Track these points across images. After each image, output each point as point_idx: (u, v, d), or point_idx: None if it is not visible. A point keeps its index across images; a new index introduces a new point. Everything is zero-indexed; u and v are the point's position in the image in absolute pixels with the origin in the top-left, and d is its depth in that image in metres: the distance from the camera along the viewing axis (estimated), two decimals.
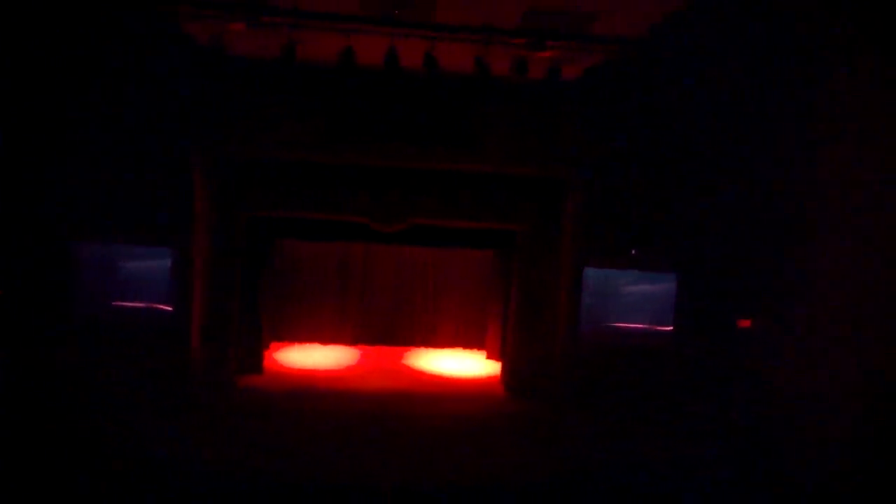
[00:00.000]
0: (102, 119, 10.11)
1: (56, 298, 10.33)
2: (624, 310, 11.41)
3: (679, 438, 10.45)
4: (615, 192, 11.06)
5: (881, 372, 9.28)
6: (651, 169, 11.10)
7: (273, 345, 13.81)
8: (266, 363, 12.67)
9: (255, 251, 11.91)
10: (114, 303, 10.44)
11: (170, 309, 10.50)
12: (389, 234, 11.56)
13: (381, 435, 9.78)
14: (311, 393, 11.33)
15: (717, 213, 11.34)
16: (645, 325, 11.46)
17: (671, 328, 11.48)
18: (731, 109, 10.79)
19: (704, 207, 11.31)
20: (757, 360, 10.63)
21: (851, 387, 9.52)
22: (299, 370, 12.77)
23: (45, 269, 10.24)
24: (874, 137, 9.15)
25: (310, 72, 9.56)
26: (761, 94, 10.24)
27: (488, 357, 14.05)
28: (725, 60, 9.72)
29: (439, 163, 10.79)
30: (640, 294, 11.46)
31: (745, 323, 11.07)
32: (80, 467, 7.94)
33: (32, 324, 10.20)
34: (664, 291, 11.39)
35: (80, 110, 10.09)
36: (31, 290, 10.13)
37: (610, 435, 10.42)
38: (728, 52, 9.59)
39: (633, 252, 11.29)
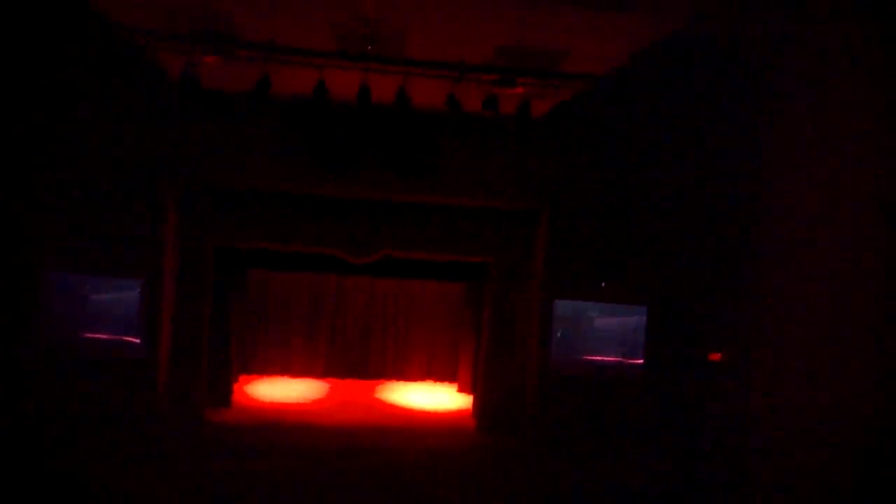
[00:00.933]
0: (74, 148, 10.05)
1: (22, 327, 10.15)
2: (594, 342, 11.46)
3: (650, 470, 10.49)
4: (585, 224, 11.19)
5: (849, 403, 9.44)
6: (620, 202, 11.26)
7: (242, 377, 13.63)
8: (235, 396, 12.50)
9: (226, 282, 11.81)
10: (83, 334, 10.25)
11: (137, 341, 10.33)
12: (361, 266, 11.57)
13: (352, 471, 9.67)
14: (280, 427, 11.18)
15: (686, 245, 11.53)
16: (616, 359, 11.52)
17: (641, 361, 11.56)
18: (695, 142, 11.07)
19: (673, 240, 11.49)
20: (726, 393, 10.76)
21: (819, 417, 9.67)
22: (269, 403, 12.60)
23: (12, 297, 10.08)
24: (826, 173, 9.45)
25: (283, 105, 9.62)
26: (722, 128, 10.54)
27: (459, 390, 14.01)
28: (688, 95, 10.00)
29: (411, 195, 10.88)
30: (610, 327, 11.54)
31: (716, 356, 11.20)
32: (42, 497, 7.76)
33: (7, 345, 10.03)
34: (634, 324, 11.49)
35: (51, 139, 10.03)
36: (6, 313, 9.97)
37: (581, 468, 10.42)
38: (691, 86, 9.88)
39: (604, 285, 11.40)
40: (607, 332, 11.49)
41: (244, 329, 13.51)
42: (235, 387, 12.84)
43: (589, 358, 11.48)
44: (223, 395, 12.01)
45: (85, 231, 10.17)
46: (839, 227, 9.57)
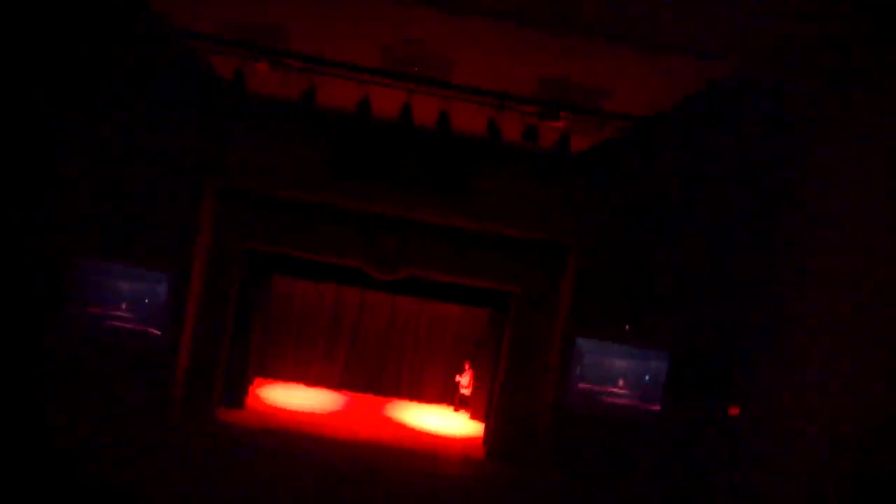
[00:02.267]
0: (120, 141, 10.31)
1: (49, 311, 10.36)
2: (604, 380, 11.34)
3: None
4: (613, 265, 11.12)
5: (866, 472, 9.19)
6: (650, 246, 11.18)
7: (257, 380, 13.70)
8: (249, 399, 12.57)
9: (251, 285, 11.94)
10: (110, 322, 10.43)
11: (158, 333, 10.47)
12: (385, 282, 11.60)
13: (356, 488, 9.64)
14: (290, 435, 11.20)
15: (712, 296, 11.39)
16: (629, 401, 11.38)
17: (657, 406, 11.39)
18: (728, 192, 10.96)
19: (700, 289, 11.35)
20: (743, 447, 10.53)
21: (837, 484, 9.42)
22: (282, 409, 12.64)
23: (44, 282, 10.30)
24: (855, 240, 9.29)
25: (326, 117, 9.75)
26: (755, 181, 10.43)
27: (472, 417, 13.91)
28: (725, 144, 9.91)
29: (441, 216, 10.91)
30: (621, 368, 11.41)
31: (735, 411, 10.99)
32: (49, 487, 7.84)
33: (22, 334, 10.21)
34: (645, 368, 11.37)
35: (98, 130, 10.29)
36: (25, 300, 10.16)
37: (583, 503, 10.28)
38: (728, 136, 9.79)
39: (627, 327, 11.29)
40: (620, 374, 11.38)
41: (265, 333, 13.61)
42: (251, 389, 12.92)
43: (597, 391, 11.29)
44: (238, 396, 12.09)
45: (121, 221, 10.39)
46: (860, 294, 9.40)
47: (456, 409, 14.34)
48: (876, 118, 8.42)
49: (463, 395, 14.28)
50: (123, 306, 10.47)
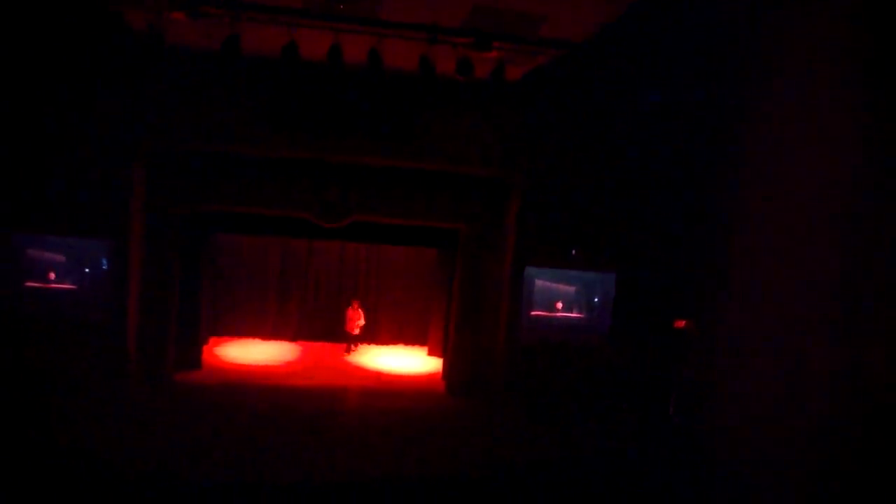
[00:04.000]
0: (36, 107, 9.80)
1: None
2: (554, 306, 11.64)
3: (613, 435, 10.70)
4: (556, 193, 11.22)
5: (810, 372, 9.65)
6: (591, 170, 11.29)
7: (212, 340, 13.59)
8: (206, 358, 12.46)
9: (197, 245, 11.69)
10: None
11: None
12: (332, 231, 11.48)
13: (321, 431, 9.74)
14: (251, 388, 11.19)
15: (655, 214, 11.63)
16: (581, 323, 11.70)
17: (608, 325, 11.74)
18: (665, 110, 11.09)
19: (643, 209, 11.57)
20: (691, 361, 10.95)
21: (783, 386, 9.89)
22: (239, 366, 12.59)
23: None
24: (792, 140, 9.55)
25: (251, 66, 9.42)
26: (694, 95, 10.56)
27: (430, 354, 14.12)
28: (661, 63, 9.97)
29: (382, 159, 10.78)
30: (570, 293, 11.71)
31: (681, 324, 11.38)
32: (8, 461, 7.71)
33: None
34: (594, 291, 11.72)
35: (12, 97, 9.77)
36: None
37: (546, 432, 10.59)
38: (664, 54, 9.83)
39: (574, 252, 11.47)
40: (570, 298, 11.67)
41: (215, 292, 13.43)
42: (207, 349, 12.81)
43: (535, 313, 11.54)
44: (193, 357, 11.97)
45: (52, 191, 9.98)
46: (805, 205, 9.71)
47: (348, 351, 14.20)
48: (815, 29, 8.56)
49: (352, 333, 14.11)
50: (52, 276, 10.18)
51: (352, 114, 10.36)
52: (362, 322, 14.06)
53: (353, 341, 14.18)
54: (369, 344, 14.63)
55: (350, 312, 14.02)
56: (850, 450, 9.47)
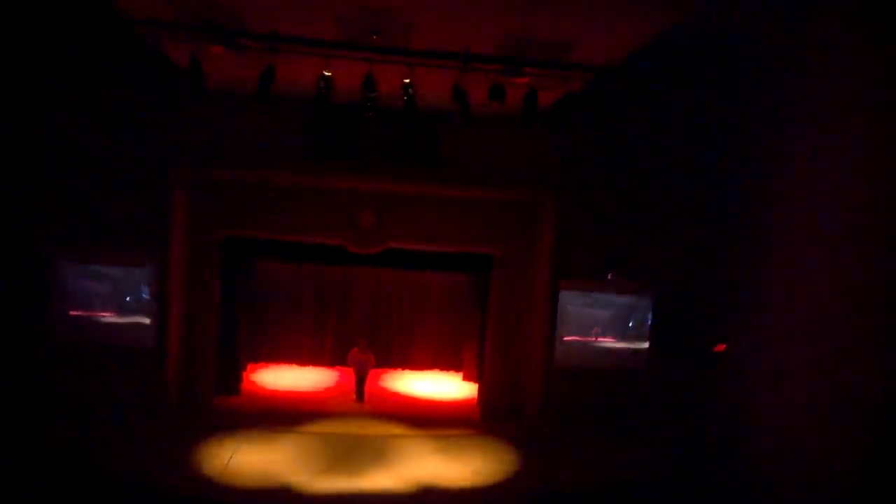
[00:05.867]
0: (84, 138, 10.20)
1: (33, 315, 10.30)
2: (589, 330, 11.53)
3: (654, 458, 10.52)
4: (590, 216, 11.19)
5: (851, 395, 9.39)
6: (626, 194, 11.25)
7: (250, 366, 13.72)
8: (244, 385, 12.60)
9: (234, 273, 11.89)
10: (94, 312, 10.43)
11: (145, 328, 10.46)
12: (366, 257, 11.59)
13: (358, 456, 9.76)
14: (289, 415, 11.27)
15: (692, 238, 11.51)
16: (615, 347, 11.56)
17: (644, 350, 11.58)
18: (703, 136, 11.03)
19: (678, 232, 11.47)
20: (730, 384, 10.75)
21: (822, 412, 9.64)
22: (277, 392, 12.70)
23: (23, 285, 10.23)
24: (833, 150, 9.40)
25: (288, 98, 9.65)
26: (730, 122, 10.50)
27: (465, 379, 14.07)
28: (696, 89, 9.95)
29: (414, 187, 10.93)
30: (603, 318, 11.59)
31: (721, 347, 11.18)
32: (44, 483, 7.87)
33: (17, 334, 10.23)
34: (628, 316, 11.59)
35: (61, 129, 10.17)
36: (11, 304, 10.16)
37: (585, 456, 10.47)
38: (699, 81, 9.82)
39: (610, 276, 11.39)
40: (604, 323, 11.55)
41: (252, 318, 13.58)
42: (244, 375, 12.94)
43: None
44: (232, 383, 12.12)
45: (95, 219, 10.30)
46: (843, 223, 9.53)
47: (360, 399, 12.44)
48: (846, 44, 8.47)
49: (361, 375, 12.42)
50: (103, 307, 10.45)
51: (385, 142, 10.53)
52: (371, 365, 12.49)
53: (361, 387, 12.46)
54: (403, 369, 14.63)
55: (357, 354, 12.50)
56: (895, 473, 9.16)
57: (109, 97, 10.19)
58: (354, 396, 12.38)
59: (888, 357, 9.13)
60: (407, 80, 8.18)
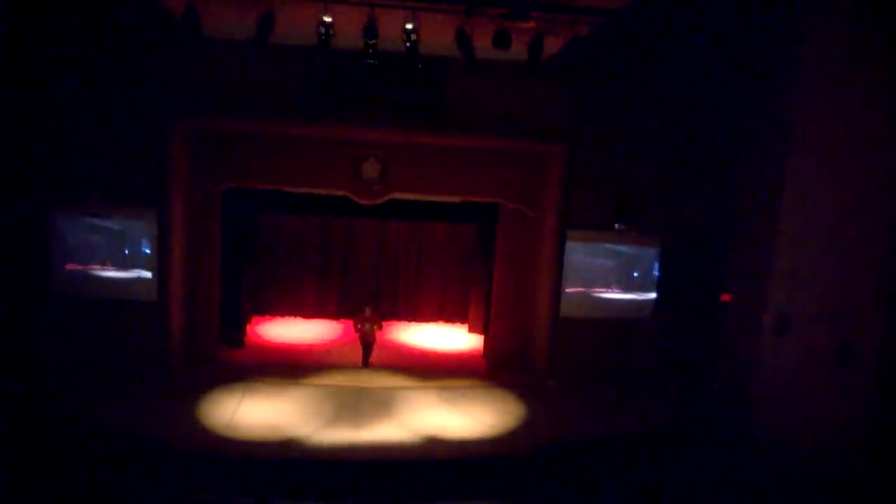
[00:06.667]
0: (83, 90, 10.03)
1: (35, 264, 10.29)
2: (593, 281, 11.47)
3: (660, 407, 10.57)
4: (599, 163, 11.01)
5: (853, 342, 9.42)
6: (633, 143, 11.05)
7: (255, 319, 13.74)
8: (248, 337, 12.62)
9: (238, 226, 11.79)
10: (93, 266, 10.44)
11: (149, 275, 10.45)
12: (371, 209, 11.46)
13: (363, 408, 9.81)
14: (294, 367, 11.30)
15: (699, 187, 11.35)
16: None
17: (650, 300, 11.55)
18: (709, 82, 10.74)
19: (686, 181, 11.30)
20: (735, 333, 10.73)
21: (823, 356, 9.68)
22: (282, 344, 12.73)
23: (23, 238, 10.20)
24: (841, 106, 9.18)
25: (288, 47, 9.40)
26: (738, 65, 10.22)
27: (470, 330, 14.07)
28: (704, 33, 9.64)
29: (419, 136, 10.71)
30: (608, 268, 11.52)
31: (727, 297, 11.14)
32: (49, 437, 7.92)
33: (14, 289, 10.20)
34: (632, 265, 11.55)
35: (60, 81, 9.98)
36: (11, 256, 10.12)
37: (592, 406, 10.51)
38: (707, 23, 9.51)
39: (617, 226, 11.27)
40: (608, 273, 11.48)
41: (257, 271, 13.54)
42: (249, 328, 12.96)
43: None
44: (236, 335, 12.13)
45: (94, 171, 10.19)
46: (852, 169, 9.38)
47: (366, 365, 11.71)
48: None
49: (367, 342, 11.68)
50: (104, 261, 10.47)
51: (388, 91, 10.30)
52: (379, 328, 11.78)
53: (367, 355, 11.76)
54: (409, 321, 14.63)
55: (363, 320, 11.66)
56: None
57: (107, 48, 9.98)
58: (361, 364, 11.65)
59: (887, 304, 9.17)
60: (409, 26, 7.93)
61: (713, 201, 11.35)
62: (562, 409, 10.37)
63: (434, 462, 8.42)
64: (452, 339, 13.81)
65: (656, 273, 11.50)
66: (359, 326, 11.66)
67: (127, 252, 10.41)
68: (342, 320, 14.29)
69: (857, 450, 9.43)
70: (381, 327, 11.83)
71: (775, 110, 10.03)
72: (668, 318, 11.65)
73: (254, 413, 9.39)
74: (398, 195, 11.22)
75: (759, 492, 8.49)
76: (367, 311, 11.70)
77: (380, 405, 9.94)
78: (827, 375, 9.73)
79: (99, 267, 10.42)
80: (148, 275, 10.47)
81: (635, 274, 11.54)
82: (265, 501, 7.00)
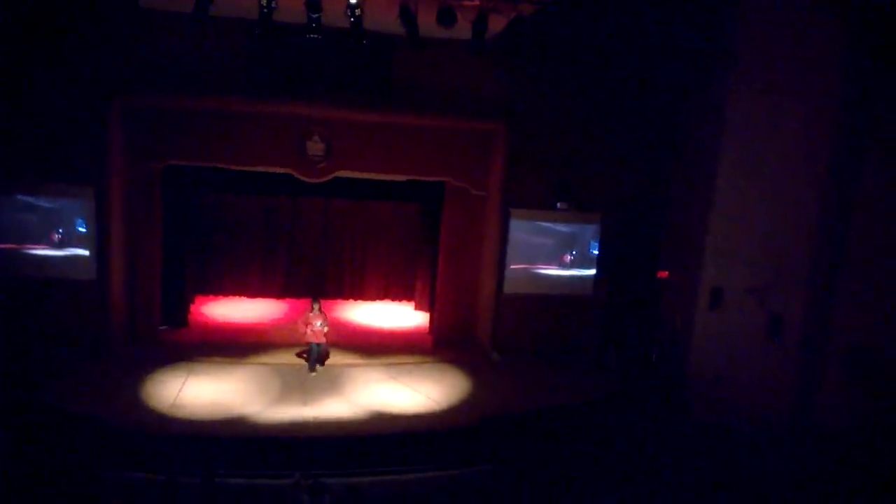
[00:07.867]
0: (13, 63, 9.64)
1: None
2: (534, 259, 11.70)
3: (598, 380, 10.89)
4: (541, 145, 11.18)
5: (783, 319, 9.89)
6: (575, 123, 11.25)
7: (199, 298, 13.52)
8: (192, 317, 12.45)
9: (181, 205, 11.59)
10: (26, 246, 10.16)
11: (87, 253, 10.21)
12: (316, 187, 11.40)
13: (310, 385, 9.84)
14: (238, 346, 11.21)
15: (640, 166, 11.66)
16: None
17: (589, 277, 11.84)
18: (651, 63, 11.00)
19: (627, 160, 11.59)
20: (672, 309, 11.12)
21: (755, 332, 10.15)
22: (226, 323, 12.59)
23: None
24: (775, 84, 9.57)
25: (229, 23, 9.24)
26: (679, 48, 10.50)
27: (416, 308, 14.15)
28: (646, 15, 9.85)
29: (365, 113, 10.69)
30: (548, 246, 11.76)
31: (664, 274, 11.52)
32: None
33: None
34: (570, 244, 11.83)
35: None
36: None
37: (535, 380, 10.76)
38: (649, 5, 9.72)
39: (559, 205, 11.49)
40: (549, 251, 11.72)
41: (199, 250, 13.30)
42: (193, 308, 12.77)
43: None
44: (179, 315, 11.96)
45: (30, 149, 9.84)
46: (785, 153, 9.80)
47: (311, 369, 10.34)
48: None
49: (310, 342, 10.34)
50: (37, 240, 10.18)
51: (332, 67, 10.23)
52: (326, 329, 10.43)
53: (317, 354, 10.42)
54: (356, 300, 14.62)
55: (308, 316, 10.45)
56: (823, 387, 9.86)
57: (38, 20, 9.54)
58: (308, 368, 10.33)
59: (821, 281, 9.66)
60: (353, 0, 7.88)
61: (651, 181, 11.67)
62: (506, 382, 10.59)
63: (382, 436, 8.53)
64: (398, 316, 13.88)
65: (596, 251, 11.78)
66: (306, 326, 10.33)
67: (63, 231, 10.13)
68: (287, 299, 14.20)
69: (783, 414, 9.96)
70: (328, 326, 10.55)
71: (711, 94, 10.37)
72: (607, 294, 11.97)
73: (199, 392, 9.33)
74: (343, 173, 11.20)
75: (693, 456, 8.88)
76: (316, 308, 10.45)
77: (327, 383, 9.99)
78: (757, 347, 10.22)
79: (33, 246, 10.11)
80: (86, 253, 10.21)
81: (575, 252, 11.80)
82: (212, 478, 7.02)
